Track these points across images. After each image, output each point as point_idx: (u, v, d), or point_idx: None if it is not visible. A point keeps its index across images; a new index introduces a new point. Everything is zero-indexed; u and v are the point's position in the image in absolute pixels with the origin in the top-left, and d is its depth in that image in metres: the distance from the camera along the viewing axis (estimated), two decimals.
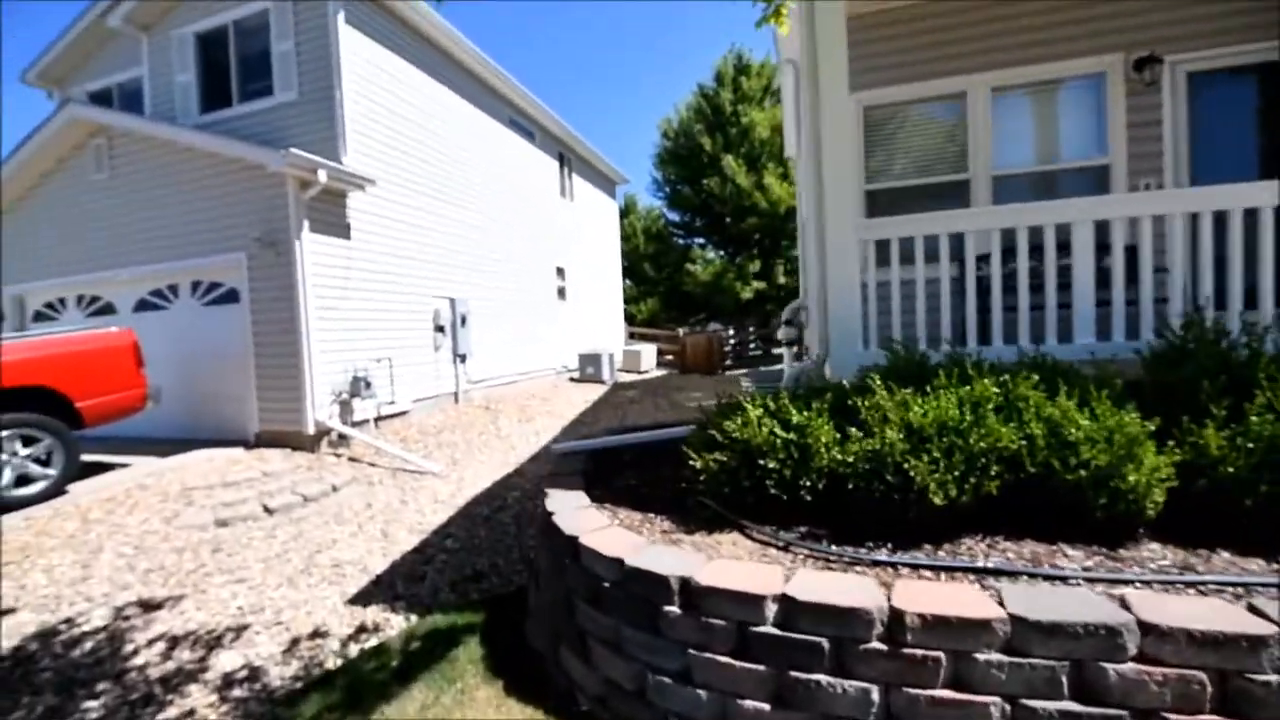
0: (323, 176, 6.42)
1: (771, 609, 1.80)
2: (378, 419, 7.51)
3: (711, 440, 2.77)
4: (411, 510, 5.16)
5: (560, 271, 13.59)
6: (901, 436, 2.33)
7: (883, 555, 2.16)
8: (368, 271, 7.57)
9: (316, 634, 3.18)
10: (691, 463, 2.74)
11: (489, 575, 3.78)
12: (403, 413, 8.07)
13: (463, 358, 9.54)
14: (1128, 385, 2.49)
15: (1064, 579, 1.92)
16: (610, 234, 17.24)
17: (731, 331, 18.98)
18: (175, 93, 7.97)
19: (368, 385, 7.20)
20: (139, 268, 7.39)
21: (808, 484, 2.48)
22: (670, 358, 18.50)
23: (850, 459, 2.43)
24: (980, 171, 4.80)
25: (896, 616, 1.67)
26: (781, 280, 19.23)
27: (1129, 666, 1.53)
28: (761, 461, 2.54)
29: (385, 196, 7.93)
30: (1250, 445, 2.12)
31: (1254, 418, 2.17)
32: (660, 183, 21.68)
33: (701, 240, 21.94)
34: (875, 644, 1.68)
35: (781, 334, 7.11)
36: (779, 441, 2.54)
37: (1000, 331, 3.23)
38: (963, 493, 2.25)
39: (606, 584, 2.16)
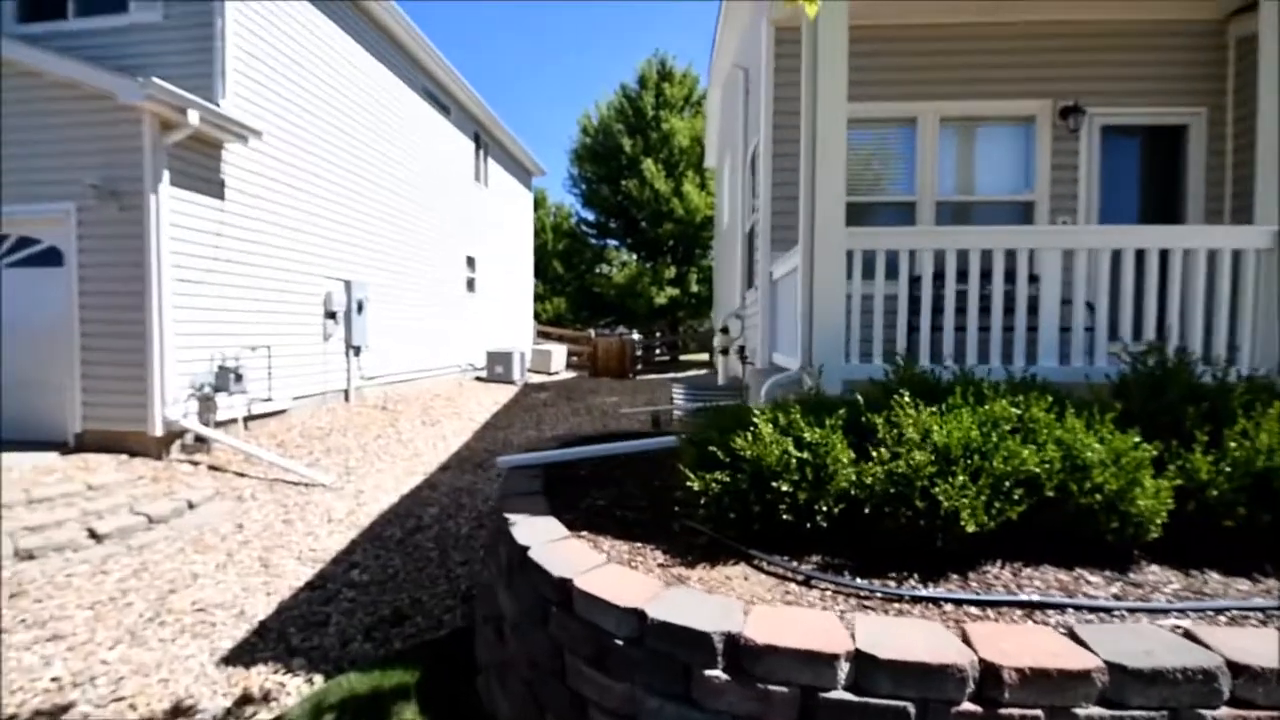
0: (194, 118, 5.20)
1: (844, 669, 1.50)
2: (248, 418, 6.28)
3: (711, 458, 2.45)
4: (299, 532, 4.27)
5: (470, 261, 12.60)
6: (932, 458, 2.16)
7: (922, 590, 1.96)
8: (246, 241, 6.32)
9: (178, 711, 2.38)
10: (689, 484, 2.40)
11: (412, 616, 3.13)
12: (280, 411, 6.86)
13: (356, 350, 8.38)
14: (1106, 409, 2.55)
15: (1108, 610, 1.84)
16: (524, 226, 16.42)
17: (637, 335, 18.90)
18: None
19: (238, 378, 5.98)
20: None
21: (824, 509, 2.24)
22: (577, 359, 18.04)
23: (870, 481, 2.23)
24: (927, 195, 4.98)
25: (991, 672, 1.45)
26: (694, 288, 19.54)
27: (1225, 712, 1.43)
28: (775, 484, 2.26)
29: (273, 154, 6.71)
30: (1229, 469, 2.22)
31: (1232, 443, 2.27)
32: (576, 179, 21.13)
33: (615, 242, 21.69)
34: (968, 705, 1.44)
35: (716, 341, 7.03)
36: (793, 461, 2.28)
37: (975, 349, 3.25)
38: (991, 518, 2.13)
39: (618, 640, 1.74)
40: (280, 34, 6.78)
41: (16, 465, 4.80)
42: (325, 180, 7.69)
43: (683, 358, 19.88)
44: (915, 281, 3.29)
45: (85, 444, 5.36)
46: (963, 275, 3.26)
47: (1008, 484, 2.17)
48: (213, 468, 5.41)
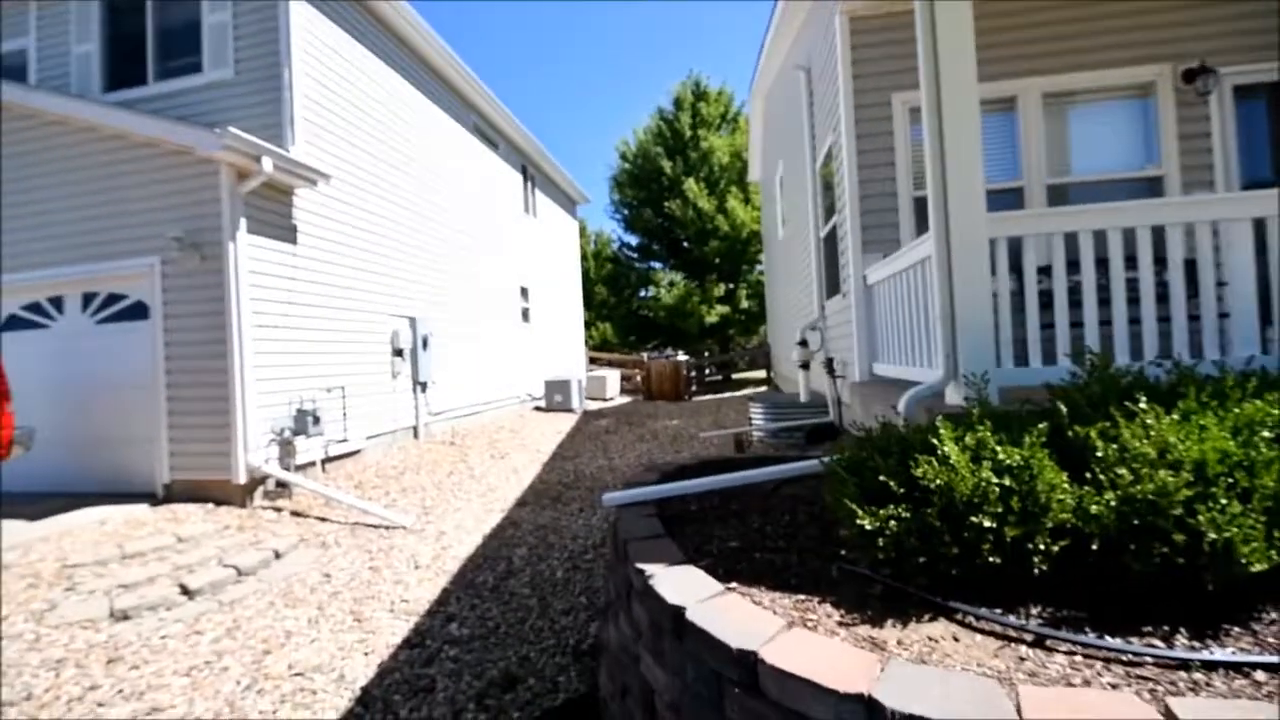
0: (267, 165, 5.28)
1: None
2: (325, 460, 6.24)
3: (881, 489, 2.06)
4: (388, 580, 4.05)
5: (524, 292, 12.62)
6: (1190, 478, 1.71)
7: (1208, 652, 1.50)
8: (317, 284, 6.38)
9: None
10: (859, 520, 2.01)
11: (524, 678, 2.81)
12: (355, 452, 6.81)
13: (423, 386, 8.36)
14: None
15: None
16: (571, 254, 16.49)
17: (682, 356, 18.45)
18: (72, 66, 6.54)
19: (316, 420, 5.95)
20: (10, 275, 5.83)
21: (1041, 547, 1.81)
22: (629, 384, 17.81)
23: (1096, 511, 1.79)
24: (1035, 178, 4.50)
25: None
26: (744, 304, 19.10)
27: None
28: (974, 518, 1.85)
29: (339, 197, 6.81)
30: None
31: None
32: (618, 204, 21.23)
33: (659, 264, 21.56)
34: None
35: (795, 355, 6.59)
36: (994, 490, 1.86)
37: (1154, 344, 2.76)
38: (1278, 550, 1.65)
39: None
40: (343, 81, 6.96)
41: (110, 518, 4.83)
42: (386, 219, 7.80)
43: (735, 376, 19.36)
44: (1073, 267, 2.83)
45: (173, 494, 5.39)
46: (1131, 260, 2.79)
47: (1267, 504, 1.70)
48: (295, 513, 5.33)
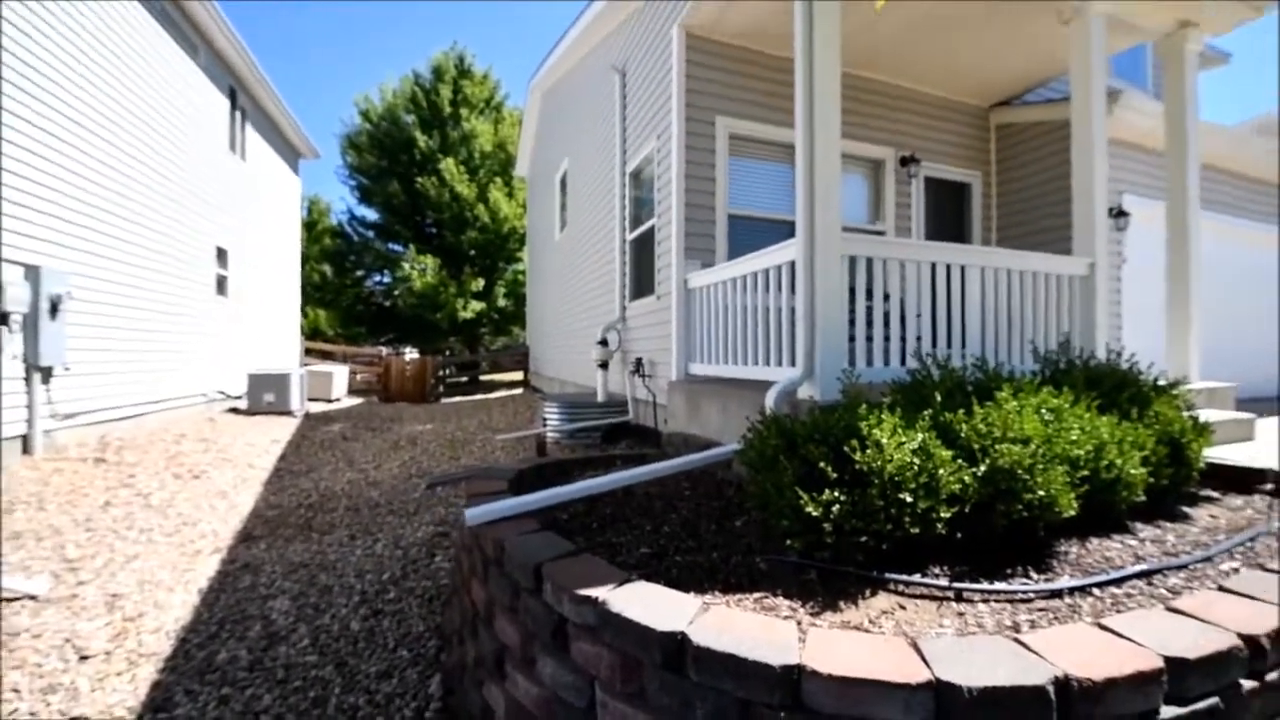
0: None
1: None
2: None
3: (814, 475, 2.14)
4: (25, 691, 2.42)
5: (222, 255, 9.54)
6: (1031, 450, 2.20)
7: (1070, 581, 1.94)
8: None
9: None
10: (806, 509, 2.02)
11: None
12: None
13: (47, 373, 5.49)
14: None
15: (1183, 566, 2.06)
16: (290, 218, 13.26)
17: (412, 354, 16.62)
18: None
19: None
20: None
21: (940, 515, 2.11)
22: (359, 383, 15.27)
23: (968, 480, 2.18)
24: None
25: None
26: (501, 303, 18.24)
27: None
28: (900, 495, 2.05)
29: None
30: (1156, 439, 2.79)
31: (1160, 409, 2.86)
32: (354, 169, 17.85)
33: (400, 247, 18.91)
34: None
35: (595, 354, 6.57)
36: (913, 468, 2.10)
37: (943, 351, 3.54)
38: (1077, 500, 2.26)
39: None
40: None
41: None
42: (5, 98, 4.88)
43: (484, 378, 18.40)
44: (885, 297, 3.45)
45: None
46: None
47: (1066, 467, 2.34)
48: None
